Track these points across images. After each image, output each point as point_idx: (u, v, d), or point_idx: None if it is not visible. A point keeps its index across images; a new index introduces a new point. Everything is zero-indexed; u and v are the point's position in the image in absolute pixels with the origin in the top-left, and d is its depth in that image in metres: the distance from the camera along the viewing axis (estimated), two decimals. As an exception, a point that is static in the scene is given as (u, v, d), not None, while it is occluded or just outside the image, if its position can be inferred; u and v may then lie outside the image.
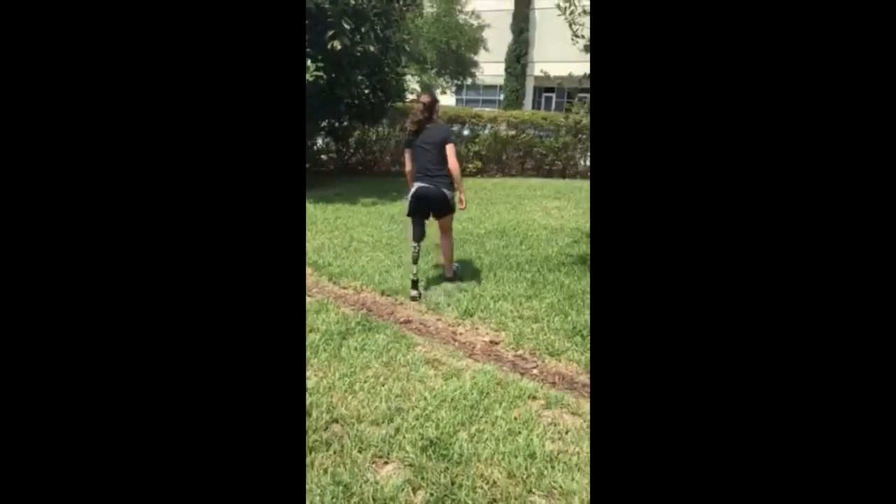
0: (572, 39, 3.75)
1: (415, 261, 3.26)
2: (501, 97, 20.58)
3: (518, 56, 20.17)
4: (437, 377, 2.31)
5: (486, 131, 9.73)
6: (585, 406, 2.13)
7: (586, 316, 3.01)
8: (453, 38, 11.35)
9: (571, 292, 3.38)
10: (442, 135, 3.19)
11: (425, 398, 2.11)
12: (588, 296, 3.32)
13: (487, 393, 2.17)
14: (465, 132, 9.75)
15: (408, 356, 2.50)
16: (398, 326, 2.91)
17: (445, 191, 3.19)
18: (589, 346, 2.67)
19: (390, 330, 2.79)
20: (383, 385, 2.21)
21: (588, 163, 9.44)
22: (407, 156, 3.33)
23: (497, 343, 2.76)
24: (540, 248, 4.48)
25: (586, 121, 3.84)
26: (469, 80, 14.03)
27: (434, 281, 3.60)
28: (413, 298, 3.21)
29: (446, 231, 3.43)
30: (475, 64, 13.26)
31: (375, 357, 2.47)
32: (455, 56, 11.69)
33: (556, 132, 9.50)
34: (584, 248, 4.55)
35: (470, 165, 9.45)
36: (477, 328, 2.92)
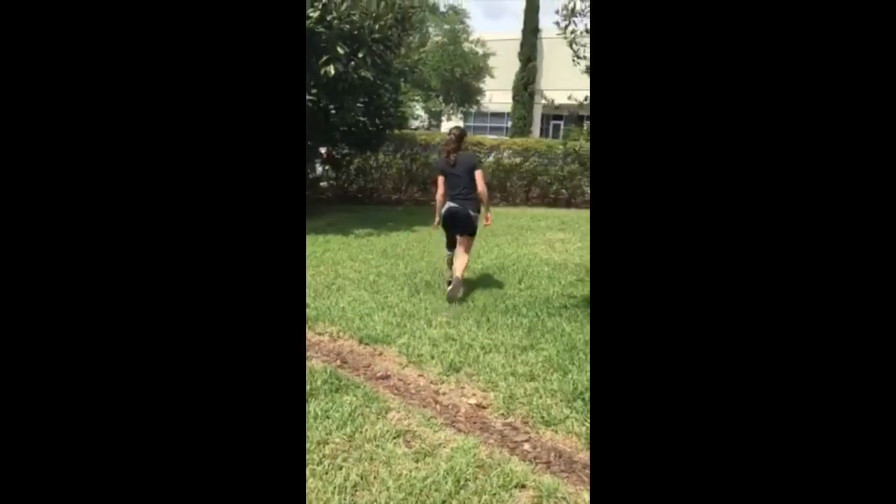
0: (573, 60, 3.46)
1: (449, 265, 3.85)
2: (509, 124, 20.58)
3: (525, 84, 20.20)
4: (408, 457, 1.92)
5: (490, 159, 9.48)
6: (586, 497, 1.74)
7: (588, 374, 2.62)
8: (458, 65, 11.24)
9: (573, 343, 3.00)
10: (470, 163, 3.70)
11: (388, 489, 1.72)
12: (592, 347, 2.94)
13: (466, 481, 1.78)
14: (469, 160, 9.51)
15: (376, 426, 2.12)
16: (372, 384, 2.54)
17: (471, 212, 3.66)
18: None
19: (361, 390, 2.42)
20: (340, 469, 1.83)
21: (595, 192, 9.12)
22: (440, 181, 3.74)
23: (484, 407, 2.38)
24: (540, 288, 4.11)
25: (587, 148, 3.51)
26: (474, 108, 13.92)
27: (422, 327, 3.24)
28: (449, 282, 3.68)
29: (466, 248, 3.75)
30: (480, 91, 13.14)
31: (338, 428, 2.09)
32: (460, 84, 11.55)
33: (562, 160, 9.22)
34: (589, 287, 4.17)
35: (472, 194, 9.18)
36: (463, 387, 2.54)
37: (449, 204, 3.65)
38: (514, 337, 3.08)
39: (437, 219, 3.80)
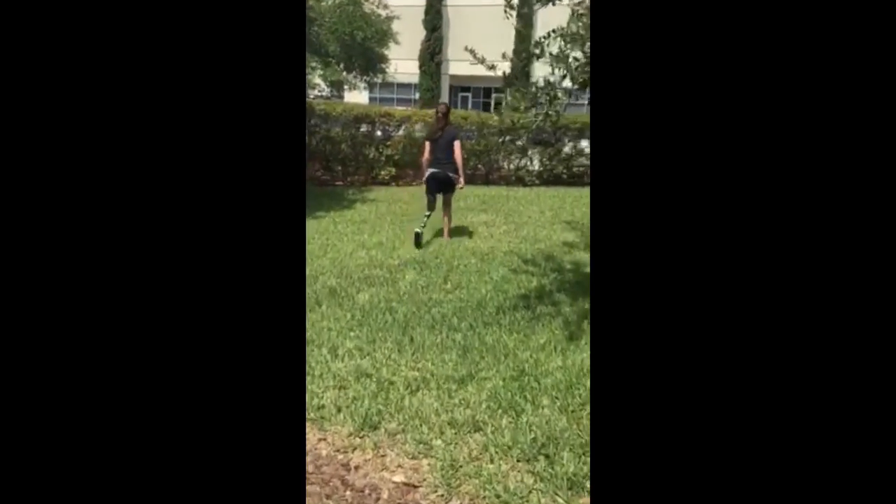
0: (506, 12, 2.75)
1: (423, 224, 4.55)
2: (417, 96, 19.73)
3: (432, 54, 19.36)
4: None
5: (400, 132, 8.65)
6: None
7: (546, 412, 2.01)
8: (358, 28, 10.08)
9: (520, 364, 2.38)
10: (451, 135, 4.55)
11: None
12: (545, 367, 2.34)
13: None
14: (378, 133, 8.61)
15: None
16: (250, 466, 1.73)
17: (450, 174, 4.53)
18: (559, 476, 1.67)
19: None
20: None
21: (513, 166, 8.67)
22: (427, 147, 4.63)
23: (416, 486, 1.68)
24: (470, 288, 3.46)
25: (526, 120, 2.84)
26: (379, 77, 12.82)
27: (324, 359, 2.44)
28: (417, 235, 4.42)
29: (447, 205, 4.69)
30: (385, 59, 12.09)
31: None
32: (361, 49, 10.41)
33: (479, 133, 8.63)
34: (526, 280, 3.60)
35: (382, 172, 8.31)
36: (383, 455, 1.82)
37: (432, 169, 4.57)
38: (447, 364, 2.40)
39: (424, 177, 4.70)
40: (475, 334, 2.70)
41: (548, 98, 2.36)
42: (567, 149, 8.47)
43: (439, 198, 4.73)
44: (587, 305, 3.14)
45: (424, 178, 4.66)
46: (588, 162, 8.46)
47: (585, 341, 2.64)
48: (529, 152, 8.52)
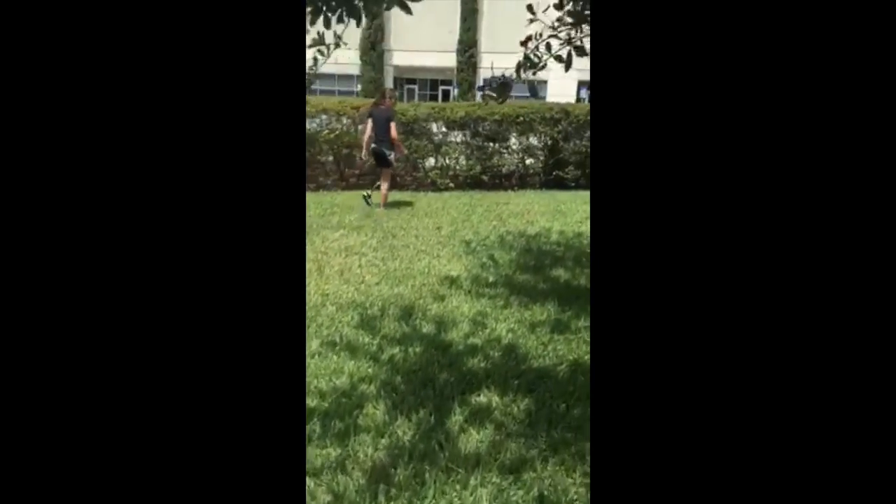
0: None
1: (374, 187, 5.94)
2: (359, 88, 18.18)
3: (373, 44, 17.84)
4: None
5: (314, 125, 6.99)
6: None
7: None
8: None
9: None
10: (387, 115, 5.47)
11: None
12: None
13: None
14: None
15: None
16: None
17: (385, 150, 5.54)
18: None
19: None
20: None
21: (429, 165, 7.15)
22: (368, 124, 5.62)
23: None
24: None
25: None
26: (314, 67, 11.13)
27: None
28: (366, 198, 5.72)
29: (385, 179, 5.69)
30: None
31: None
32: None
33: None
34: (335, 370, 2.07)
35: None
36: None
37: (373, 145, 5.58)
38: None
39: (364, 152, 5.84)
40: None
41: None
42: (495, 145, 6.99)
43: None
44: (418, 436, 1.65)
45: (367, 153, 5.71)
46: (513, 159, 7.02)
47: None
48: (443, 149, 7.01)
